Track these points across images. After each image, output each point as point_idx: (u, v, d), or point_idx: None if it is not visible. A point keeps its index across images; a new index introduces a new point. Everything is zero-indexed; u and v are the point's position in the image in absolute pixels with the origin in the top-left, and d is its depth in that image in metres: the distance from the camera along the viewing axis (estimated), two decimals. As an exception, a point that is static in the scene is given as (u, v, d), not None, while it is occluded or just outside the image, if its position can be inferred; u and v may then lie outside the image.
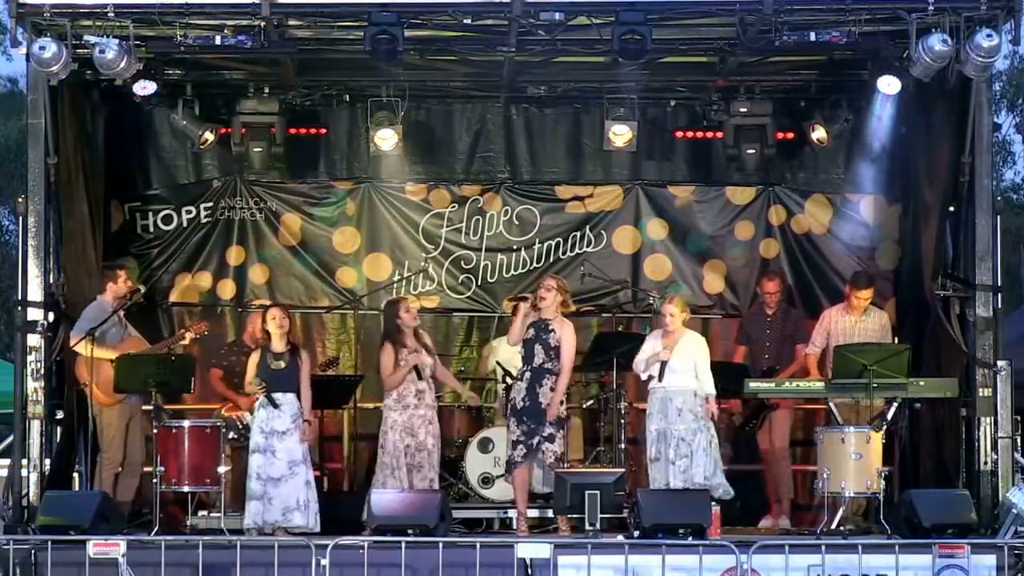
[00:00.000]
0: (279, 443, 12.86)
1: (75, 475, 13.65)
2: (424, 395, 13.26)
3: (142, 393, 13.20)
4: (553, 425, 13.01)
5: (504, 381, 14.59)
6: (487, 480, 14.21)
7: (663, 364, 13.01)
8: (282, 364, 13.03)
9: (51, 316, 13.38)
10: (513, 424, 13.07)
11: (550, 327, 13.11)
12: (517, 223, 16.11)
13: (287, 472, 12.84)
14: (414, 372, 13.20)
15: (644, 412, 15.18)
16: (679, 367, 13.00)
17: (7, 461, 13.37)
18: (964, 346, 13.42)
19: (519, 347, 13.23)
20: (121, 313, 13.56)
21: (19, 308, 13.38)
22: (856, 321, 14.00)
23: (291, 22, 13.15)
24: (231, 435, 13.59)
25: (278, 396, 12.91)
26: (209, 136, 15.15)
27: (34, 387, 13.15)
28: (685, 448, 12.90)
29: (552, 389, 13.02)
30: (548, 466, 12.91)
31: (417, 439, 13.15)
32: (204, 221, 15.91)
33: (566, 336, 13.12)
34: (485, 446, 14.30)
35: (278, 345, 13.08)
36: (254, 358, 13.09)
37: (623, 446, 14.52)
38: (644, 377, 13.22)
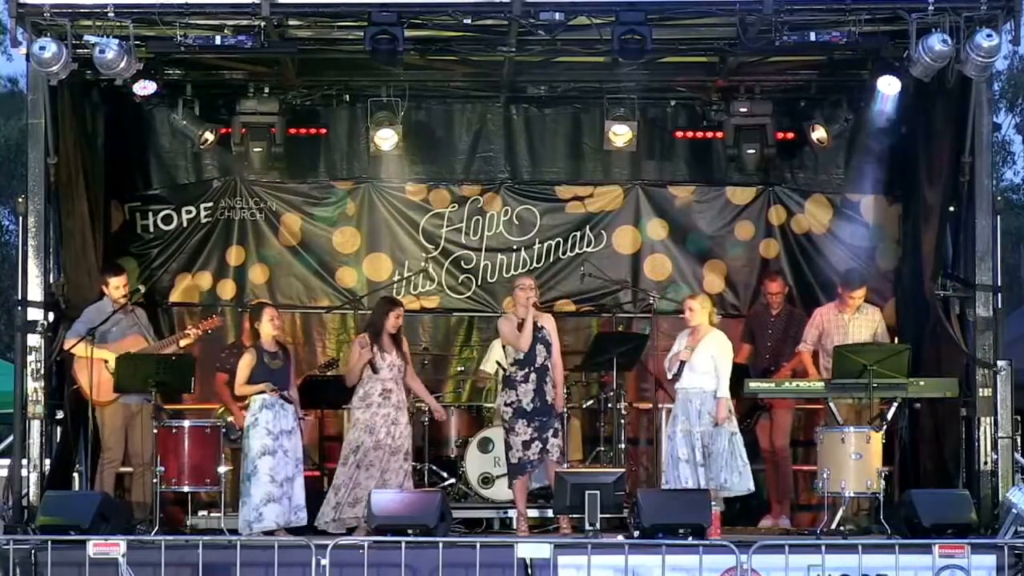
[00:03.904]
0: (288, 442, 12.88)
1: (75, 475, 13.65)
2: (391, 395, 13.21)
3: (140, 393, 13.19)
4: (557, 419, 13.16)
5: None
6: (487, 480, 14.22)
7: (682, 364, 13.01)
8: (280, 363, 13.04)
9: (51, 316, 13.36)
10: (522, 425, 13.10)
11: (539, 324, 13.29)
12: (517, 223, 16.10)
13: (295, 471, 12.88)
14: (370, 368, 13.17)
15: (644, 412, 15.25)
16: (699, 367, 12.98)
17: (7, 461, 13.37)
18: (964, 346, 13.42)
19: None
20: (130, 305, 13.57)
21: (19, 308, 13.37)
22: (849, 319, 14.01)
23: (291, 22, 13.15)
24: (231, 437, 13.59)
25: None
26: (209, 136, 15.15)
27: (34, 387, 13.15)
28: (706, 451, 12.89)
29: (553, 385, 13.21)
30: (555, 461, 13.01)
31: (376, 438, 13.11)
32: (204, 221, 15.91)
33: (553, 329, 13.35)
34: (485, 446, 14.30)
35: (272, 344, 13.08)
36: (248, 360, 13.03)
37: (623, 446, 14.53)
38: (669, 376, 13.22)
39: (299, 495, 12.85)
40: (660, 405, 14.56)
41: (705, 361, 12.98)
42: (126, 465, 13.63)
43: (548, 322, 13.39)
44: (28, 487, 12.99)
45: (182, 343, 13.75)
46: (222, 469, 13.03)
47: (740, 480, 12.93)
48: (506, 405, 13.27)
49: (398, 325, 13.35)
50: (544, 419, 13.12)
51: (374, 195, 16.05)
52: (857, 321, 14.01)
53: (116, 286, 13.61)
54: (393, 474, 13.09)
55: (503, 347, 13.63)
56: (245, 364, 13.04)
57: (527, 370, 13.20)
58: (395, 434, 13.15)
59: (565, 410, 13.53)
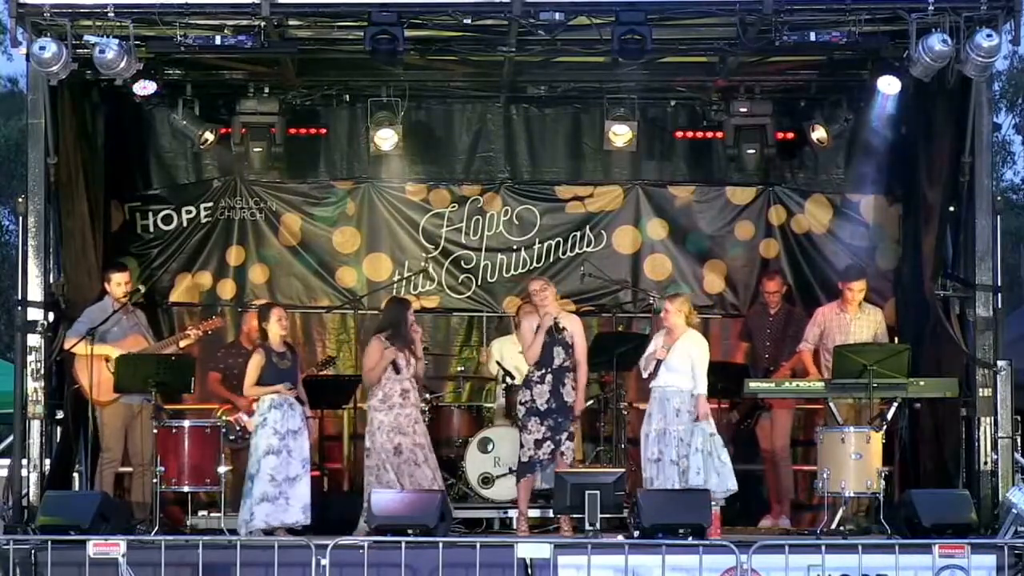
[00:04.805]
0: (294, 443, 12.86)
1: (75, 475, 13.64)
2: (409, 395, 13.21)
3: (140, 393, 13.19)
4: (574, 422, 13.17)
5: (504, 381, 14.60)
6: (487, 480, 14.21)
7: (658, 363, 12.98)
8: (288, 363, 13.04)
9: (51, 316, 13.36)
10: (535, 423, 13.08)
11: (561, 325, 13.19)
12: (517, 223, 16.11)
13: (301, 471, 12.86)
14: (392, 368, 13.18)
15: (644, 412, 15.22)
16: (676, 366, 12.97)
17: (7, 461, 13.37)
18: (964, 346, 13.42)
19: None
20: (129, 305, 13.56)
21: (19, 308, 13.37)
22: (851, 319, 14.01)
23: (291, 22, 13.15)
24: (231, 437, 13.60)
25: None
26: (209, 136, 15.15)
27: (34, 387, 13.14)
28: (684, 448, 12.89)
29: (573, 387, 13.17)
30: (568, 464, 12.96)
31: (408, 437, 13.12)
32: (204, 221, 15.91)
33: (577, 330, 13.27)
34: (485, 446, 14.30)
35: (279, 344, 13.07)
36: (257, 360, 13.01)
37: (623, 446, 14.53)
38: (645, 375, 13.19)
39: (304, 495, 12.81)
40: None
41: (682, 360, 12.97)
42: (126, 465, 13.62)
43: (572, 323, 13.29)
44: (28, 487, 12.99)
45: (182, 343, 13.74)
46: (222, 469, 13.03)
47: (719, 480, 12.88)
48: (520, 404, 13.26)
49: (413, 323, 13.38)
50: (559, 420, 13.08)
51: (374, 195, 16.06)
52: (859, 321, 14.01)
53: (119, 282, 13.61)
54: (438, 470, 13.19)
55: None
56: (255, 365, 13.01)
57: (543, 371, 13.17)
58: (422, 432, 13.21)
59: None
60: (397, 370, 13.17)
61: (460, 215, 16.08)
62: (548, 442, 13.06)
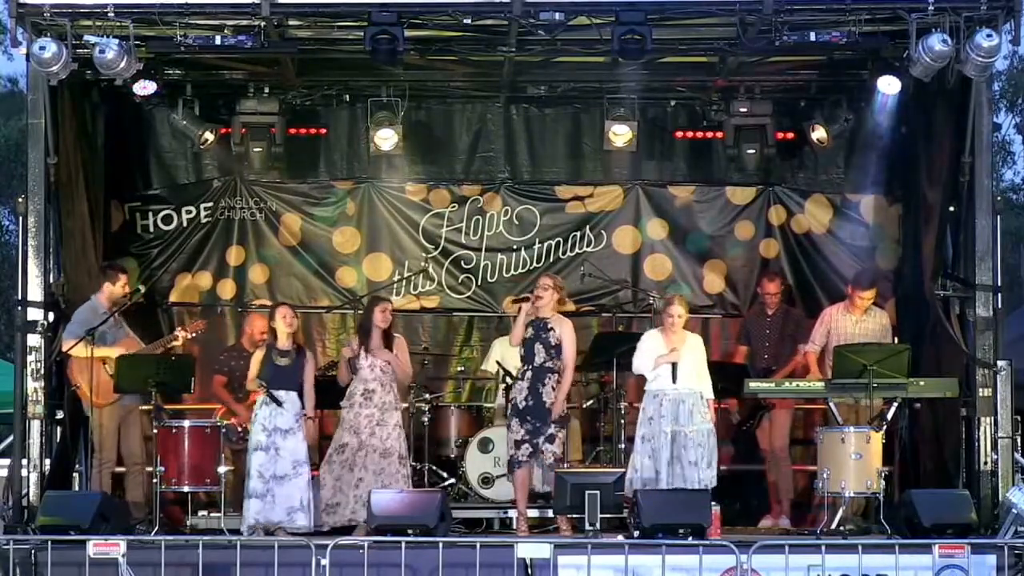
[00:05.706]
0: (283, 441, 12.85)
1: (75, 475, 13.64)
2: (372, 395, 13.14)
3: (140, 393, 13.19)
4: (555, 425, 13.01)
5: (504, 381, 14.59)
6: (487, 480, 14.22)
7: (674, 366, 12.94)
8: (287, 361, 13.02)
9: (51, 316, 13.36)
10: (516, 424, 13.04)
11: (549, 326, 13.10)
12: (517, 223, 16.11)
13: (291, 471, 12.82)
14: (348, 366, 13.17)
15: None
16: (690, 369, 12.94)
17: (7, 461, 13.37)
18: (964, 346, 13.41)
19: (519, 347, 13.21)
20: (116, 313, 13.57)
21: (19, 308, 13.37)
22: (857, 321, 13.99)
23: (291, 22, 13.16)
24: (231, 438, 13.59)
25: (280, 394, 12.90)
26: (209, 136, 15.17)
27: (34, 387, 13.14)
28: (700, 450, 12.85)
29: (555, 388, 13.03)
30: (547, 467, 12.90)
31: (359, 438, 13.07)
32: (204, 221, 15.92)
33: (566, 334, 13.12)
34: (485, 446, 14.30)
35: (284, 343, 13.07)
36: (258, 355, 13.08)
37: (623, 446, 14.51)
38: (651, 378, 13.10)
39: (293, 496, 12.78)
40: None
41: (693, 363, 12.94)
42: (120, 465, 13.61)
43: (562, 326, 13.12)
44: (28, 487, 12.99)
45: (170, 346, 13.74)
46: (222, 469, 13.03)
47: (711, 476, 12.87)
48: (508, 400, 13.26)
49: (388, 320, 13.28)
50: (537, 424, 12.96)
51: (374, 195, 16.07)
52: (864, 324, 13.98)
53: (124, 283, 13.61)
54: (390, 478, 13.00)
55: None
56: (255, 359, 13.10)
57: (526, 367, 13.14)
58: (381, 435, 13.09)
59: (564, 411, 13.32)
60: (354, 370, 13.18)
61: (460, 215, 16.09)
62: (526, 444, 12.99)
